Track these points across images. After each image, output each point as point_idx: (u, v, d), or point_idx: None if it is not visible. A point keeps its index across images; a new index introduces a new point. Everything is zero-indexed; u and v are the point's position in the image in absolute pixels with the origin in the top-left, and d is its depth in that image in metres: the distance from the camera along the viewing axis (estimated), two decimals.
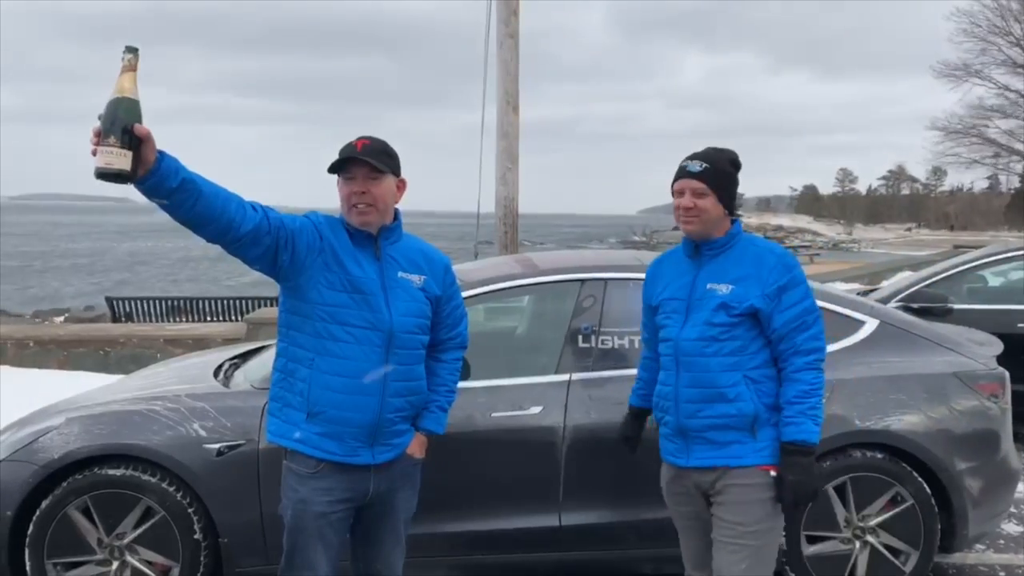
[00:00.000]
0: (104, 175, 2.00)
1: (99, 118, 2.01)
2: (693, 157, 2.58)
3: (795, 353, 2.48)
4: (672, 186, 2.61)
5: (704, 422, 2.50)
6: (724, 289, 2.51)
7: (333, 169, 2.45)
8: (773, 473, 2.49)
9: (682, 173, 2.57)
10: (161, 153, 2.07)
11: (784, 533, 3.27)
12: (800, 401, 2.45)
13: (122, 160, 2.00)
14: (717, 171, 2.54)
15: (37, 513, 3.10)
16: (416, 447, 2.61)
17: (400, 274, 2.51)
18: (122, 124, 1.99)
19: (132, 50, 2.06)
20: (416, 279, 2.53)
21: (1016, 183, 63.22)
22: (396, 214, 2.56)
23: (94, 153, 2.00)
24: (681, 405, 2.54)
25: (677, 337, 2.55)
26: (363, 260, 2.46)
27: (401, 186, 2.54)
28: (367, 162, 2.42)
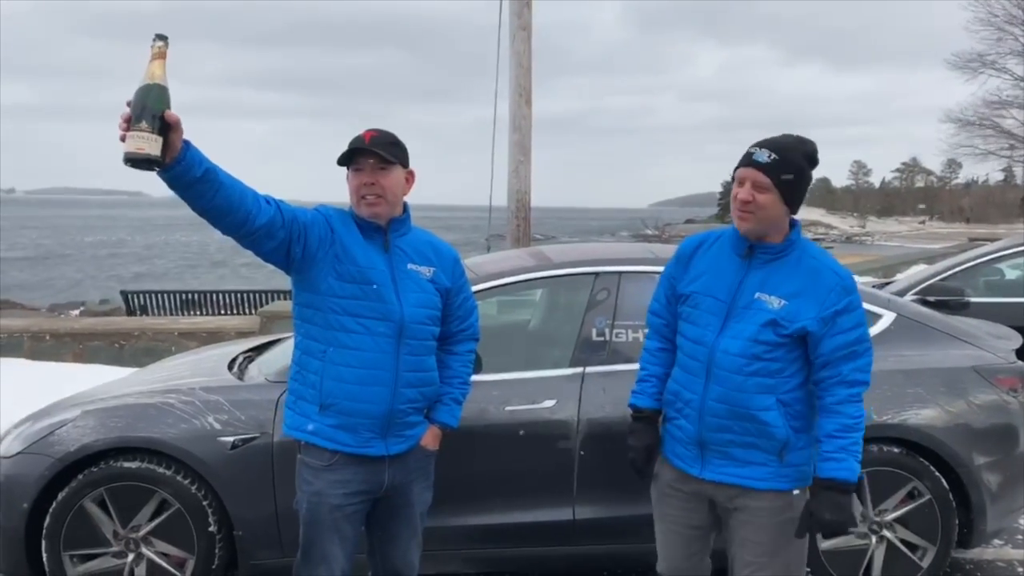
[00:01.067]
0: (134, 160, 1.98)
1: (128, 104, 2.00)
2: (764, 144, 2.28)
3: (839, 383, 2.25)
4: (734, 172, 2.33)
5: (728, 437, 2.31)
6: (776, 304, 2.26)
7: (342, 161, 2.46)
8: (796, 492, 2.33)
9: (747, 160, 2.27)
10: (186, 142, 2.07)
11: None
12: (842, 436, 2.24)
13: (153, 145, 1.99)
14: (787, 164, 2.23)
15: (53, 505, 3.11)
16: (430, 439, 2.61)
17: (409, 266, 2.51)
18: (153, 110, 1.98)
19: (162, 37, 2.05)
20: (425, 271, 2.53)
21: None
22: (405, 207, 2.55)
23: (123, 139, 1.99)
24: (705, 418, 2.32)
25: (713, 345, 2.31)
26: (372, 252, 2.46)
27: (410, 177, 2.54)
28: (375, 153, 2.42)
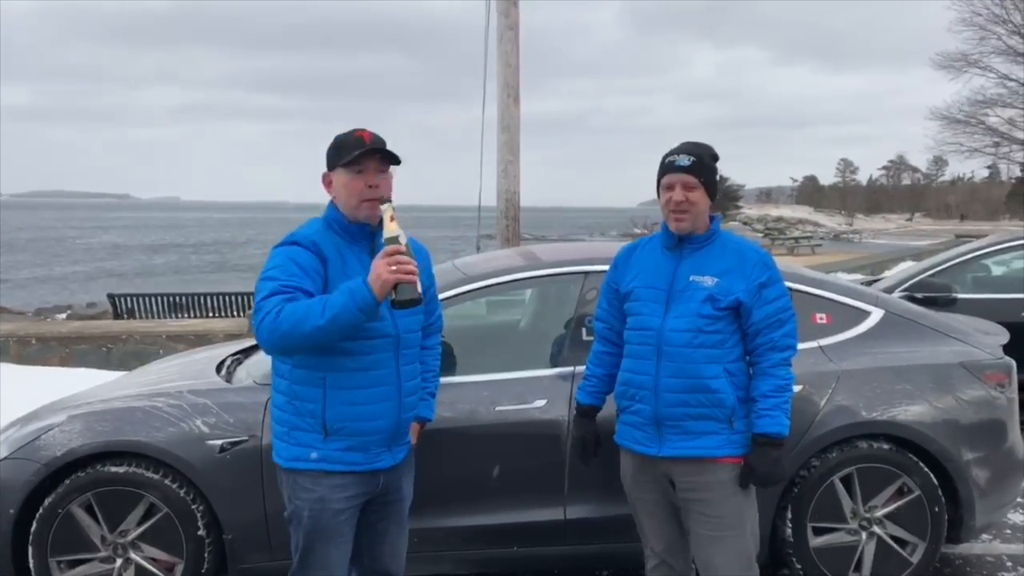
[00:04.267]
0: (415, 301, 2.22)
1: (401, 252, 2.21)
2: (678, 152, 2.61)
3: (772, 349, 2.57)
4: (659, 181, 2.64)
5: (684, 411, 2.56)
6: (709, 282, 2.57)
7: (346, 162, 2.39)
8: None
9: (671, 168, 2.59)
10: None
11: (791, 524, 3.27)
12: (776, 395, 2.55)
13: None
14: (703, 164, 2.59)
15: (40, 511, 3.09)
16: (413, 435, 2.64)
17: None
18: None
19: (387, 200, 2.37)
20: None
21: (1017, 172, 63.07)
22: None
23: (411, 282, 2.20)
24: (661, 395, 2.58)
25: (661, 327, 2.58)
26: (360, 265, 2.40)
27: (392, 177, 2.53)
28: (383, 154, 2.40)
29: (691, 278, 2.58)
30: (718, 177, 2.70)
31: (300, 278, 2.30)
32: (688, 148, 2.62)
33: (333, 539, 2.47)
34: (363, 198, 2.41)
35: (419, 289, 2.22)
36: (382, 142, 2.43)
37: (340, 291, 2.22)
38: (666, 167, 2.61)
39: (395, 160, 2.43)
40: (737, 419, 2.58)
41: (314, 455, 2.42)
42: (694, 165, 2.56)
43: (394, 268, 2.18)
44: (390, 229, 2.26)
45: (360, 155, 2.38)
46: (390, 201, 2.36)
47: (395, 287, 2.19)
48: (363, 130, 2.44)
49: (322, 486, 2.43)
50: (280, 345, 2.26)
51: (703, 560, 2.65)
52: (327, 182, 2.48)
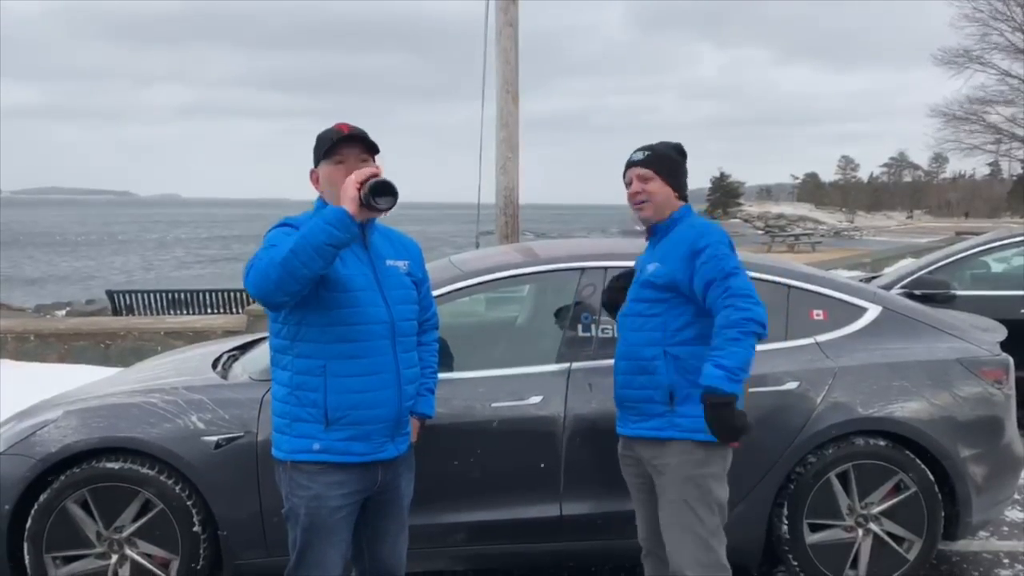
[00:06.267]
0: (388, 184, 2.23)
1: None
2: (638, 148, 2.77)
3: (725, 294, 2.46)
4: (624, 181, 2.77)
5: (633, 393, 2.69)
6: (651, 268, 2.68)
7: (327, 153, 2.41)
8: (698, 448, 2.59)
9: (628, 164, 2.75)
10: None
11: (787, 521, 3.27)
12: (724, 333, 2.43)
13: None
14: (660, 156, 2.72)
15: (35, 507, 3.09)
16: (413, 432, 2.62)
17: (388, 262, 2.49)
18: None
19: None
20: (402, 265, 2.53)
21: (1018, 169, 63.04)
22: None
23: (377, 175, 2.24)
24: (617, 377, 2.76)
25: (620, 314, 2.80)
26: (353, 255, 2.41)
27: None
28: (363, 142, 2.40)
29: (647, 266, 2.71)
30: (684, 170, 2.78)
31: None
32: (644, 145, 2.76)
33: (330, 537, 2.46)
34: None
35: (385, 177, 2.23)
36: (361, 132, 2.43)
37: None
38: (625, 165, 2.76)
39: (374, 148, 2.43)
40: (681, 403, 2.60)
41: (316, 446, 2.40)
42: (647, 158, 2.71)
43: (352, 178, 2.23)
44: None
45: (338, 143, 2.40)
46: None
47: (360, 189, 2.20)
48: (343, 123, 2.45)
49: (318, 483, 2.42)
50: (264, 285, 2.20)
51: (668, 547, 2.66)
52: (314, 179, 2.49)
